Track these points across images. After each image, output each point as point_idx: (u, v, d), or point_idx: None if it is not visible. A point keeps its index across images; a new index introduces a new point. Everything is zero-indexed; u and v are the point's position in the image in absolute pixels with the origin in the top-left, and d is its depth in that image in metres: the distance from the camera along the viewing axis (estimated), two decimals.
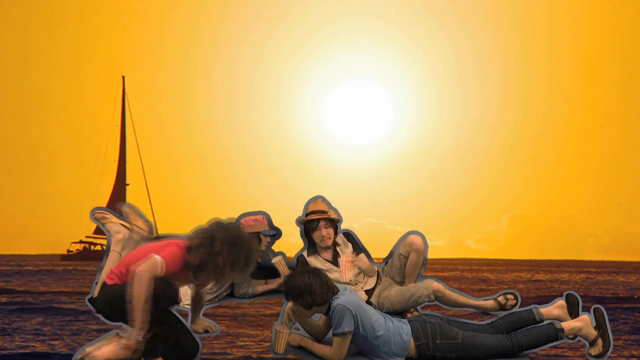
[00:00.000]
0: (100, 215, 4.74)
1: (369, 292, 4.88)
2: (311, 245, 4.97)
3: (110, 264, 4.58)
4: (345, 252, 4.97)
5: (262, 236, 4.90)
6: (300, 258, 4.98)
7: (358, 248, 5.01)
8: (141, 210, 4.81)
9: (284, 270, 4.88)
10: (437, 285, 4.78)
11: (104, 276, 4.44)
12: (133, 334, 4.05)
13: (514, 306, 4.84)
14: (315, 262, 4.91)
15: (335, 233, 4.97)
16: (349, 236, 5.05)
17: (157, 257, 4.12)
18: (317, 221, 4.91)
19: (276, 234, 4.94)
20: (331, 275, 4.65)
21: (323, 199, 5.01)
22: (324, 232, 4.90)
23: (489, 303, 4.84)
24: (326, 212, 4.93)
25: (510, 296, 4.84)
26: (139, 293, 4.03)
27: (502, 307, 4.81)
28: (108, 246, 4.65)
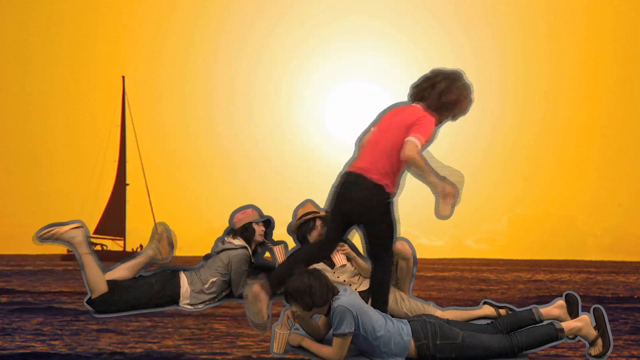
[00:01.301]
0: (47, 234, 4.73)
1: (363, 294, 4.87)
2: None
3: (90, 267, 4.65)
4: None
5: (254, 225, 4.92)
6: None
7: (351, 249, 5.00)
8: (174, 237, 4.90)
9: (281, 258, 4.89)
10: (440, 313, 4.76)
11: (98, 277, 4.61)
12: (443, 185, 4.31)
13: None
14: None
15: None
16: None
17: (412, 139, 4.31)
18: (313, 221, 4.91)
19: (270, 222, 4.97)
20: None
21: (312, 202, 5.00)
22: (322, 231, 4.89)
23: (490, 311, 4.83)
24: (318, 212, 4.92)
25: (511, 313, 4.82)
26: (420, 160, 4.28)
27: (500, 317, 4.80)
28: (75, 254, 4.71)
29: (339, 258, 4.82)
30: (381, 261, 4.54)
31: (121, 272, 4.82)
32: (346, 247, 4.85)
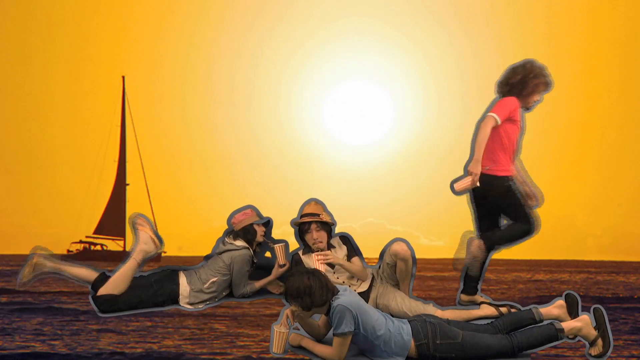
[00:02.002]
0: (139, 223, 4.87)
1: (363, 295, 4.86)
2: (306, 246, 4.97)
3: (127, 270, 4.70)
4: (339, 255, 4.96)
5: (255, 227, 4.93)
6: (295, 257, 4.99)
7: (353, 251, 4.99)
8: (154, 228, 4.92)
9: (281, 258, 4.90)
10: (440, 313, 4.76)
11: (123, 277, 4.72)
12: (473, 164, 4.65)
13: None
14: (308, 261, 4.91)
15: (329, 236, 4.96)
16: (345, 239, 5.03)
17: (488, 114, 4.75)
18: (308, 224, 4.91)
19: (269, 222, 4.98)
20: None
21: (317, 202, 5.00)
22: (315, 235, 4.89)
23: (490, 310, 4.82)
24: (318, 215, 4.92)
25: (514, 310, 4.82)
26: (482, 133, 4.69)
27: (501, 315, 4.79)
28: (131, 251, 4.80)
29: (318, 266, 4.81)
30: (521, 223, 4.87)
31: (122, 285, 4.81)
32: (330, 256, 4.85)
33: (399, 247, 4.82)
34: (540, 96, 4.94)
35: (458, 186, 4.73)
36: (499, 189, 4.83)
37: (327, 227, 4.95)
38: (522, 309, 4.74)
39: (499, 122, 4.75)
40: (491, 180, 4.80)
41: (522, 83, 4.87)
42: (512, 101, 4.84)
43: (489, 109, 4.89)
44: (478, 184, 4.69)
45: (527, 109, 4.94)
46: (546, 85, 4.92)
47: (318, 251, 4.90)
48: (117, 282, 4.75)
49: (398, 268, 4.85)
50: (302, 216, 4.95)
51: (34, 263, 4.80)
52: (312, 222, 4.90)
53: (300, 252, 4.99)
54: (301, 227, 4.94)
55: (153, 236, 4.84)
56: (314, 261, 4.83)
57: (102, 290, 4.74)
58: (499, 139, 4.83)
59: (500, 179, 4.83)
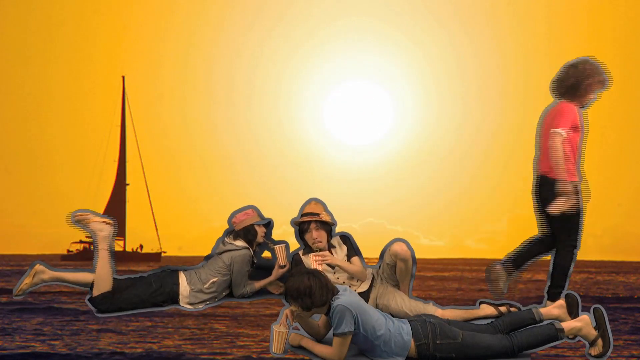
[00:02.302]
0: (81, 217, 4.84)
1: (363, 295, 4.86)
2: (307, 246, 4.97)
3: (103, 262, 4.70)
4: (339, 255, 4.95)
5: (256, 227, 4.93)
6: (295, 257, 4.99)
7: (353, 251, 4.99)
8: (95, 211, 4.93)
9: (281, 259, 4.89)
10: (440, 312, 4.76)
11: (104, 275, 4.66)
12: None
13: None
14: (308, 261, 4.90)
15: (329, 236, 4.96)
16: (346, 239, 5.03)
17: (552, 130, 4.88)
18: (307, 223, 4.91)
19: (269, 223, 4.98)
20: None
21: (317, 201, 5.00)
22: (315, 235, 4.89)
23: (490, 310, 4.82)
24: (318, 215, 4.92)
25: (513, 309, 4.82)
26: (557, 151, 4.82)
27: (502, 315, 4.79)
28: (95, 246, 4.75)
29: (316, 267, 4.81)
30: (563, 244, 4.92)
31: (108, 279, 4.80)
32: (328, 257, 4.85)
33: (399, 248, 4.82)
34: (597, 94, 5.03)
35: (553, 209, 4.84)
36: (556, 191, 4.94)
37: (327, 226, 4.94)
38: (522, 309, 4.74)
39: (565, 135, 4.86)
40: (554, 182, 4.88)
41: (575, 86, 4.96)
42: (572, 109, 4.94)
43: (546, 114, 5.01)
44: (570, 202, 4.83)
45: (583, 106, 5.02)
46: (601, 83, 4.99)
47: (318, 251, 4.90)
48: (102, 279, 4.74)
49: (398, 268, 4.85)
50: (302, 216, 4.95)
51: (34, 272, 4.80)
52: (312, 222, 4.90)
53: (300, 253, 4.99)
54: (301, 227, 4.94)
55: (101, 219, 4.85)
56: (312, 262, 4.83)
57: (95, 292, 4.74)
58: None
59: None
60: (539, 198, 5.00)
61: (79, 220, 4.83)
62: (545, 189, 4.93)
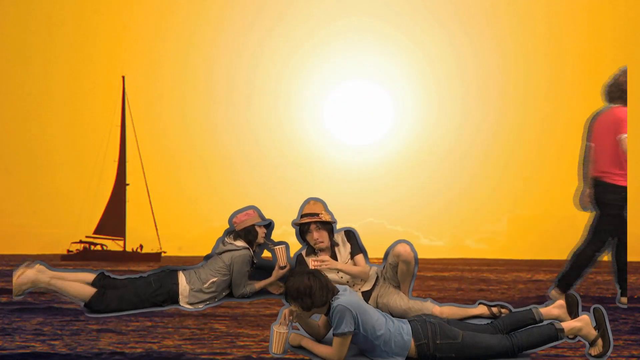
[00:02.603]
0: (16, 291, 4.71)
1: (366, 294, 4.86)
2: (309, 246, 4.97)
3: (63, 286, 4.68)
4: (342, 252, 4.95)
5: (257, 228, 4.93)
6: (299, 257, 4.98)
7: (357, 248, 4.98)
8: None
9: (282, 260, 4.89)
10: (437, 309, 4.76)
11: None
12: None
13: None
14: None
15: (332, 234, 4.95)
16: (351, 235, 5.02)
17: (620, 135, 5.19)
18: (308, 224, 4.91)
19: (270, 224, 4.98)
20: (328, 275, 4.64)
21: (317, 200, 5.00)
22: (315, 235, 4.89)
23: (483, 310, 4.83)
24: (318, 215, 4.91)
25: (505, 310, 4.82)
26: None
27: (493, 316, 4.80)
28: (45, 287, 4.71)
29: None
30: (599, 238, 5.30)
31: (83, 291, 4.78)
32: (327, 261, 4.84)
33: (402, 249, 4.82)
34: None
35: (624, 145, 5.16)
36: (612, 195, 5.24)
37: (328, 225, 4.94)
38: (515, 309, 4.74)
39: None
40: (615, 189, 5.20)
41: (615, 89, 5.29)
42: (625, 113, 5.22)
43: (599, 117, 5.28)
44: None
45: None
46: None
47: (320, 251, 4.91)
48: (79, 294, 4.74)
49: (399, 269, 4.85)
50: (301, 216, 4.95)
51: (37, 270, 4.75)
52: (312, 223, 4.90)
53: (303, 253, 4.99)
54: (302, 228, 4.94)
55: (22, 270, 4.69)
56: (310, 266, 4.83)
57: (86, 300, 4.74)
58: (617, 151, 5.23)
59: (617, 187, 5.26)
60: (594, 200, 5.29)
61: (21, 293, 4.69)
62: (600, 190, 5.25)
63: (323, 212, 4.94)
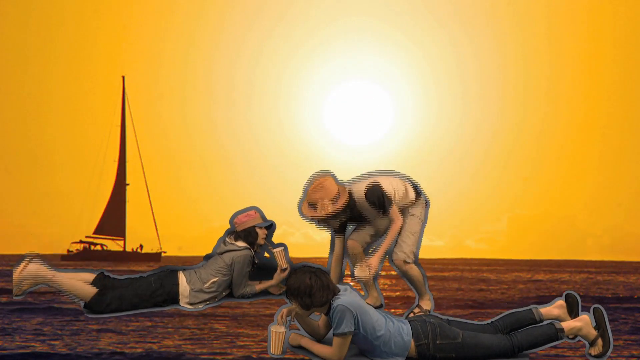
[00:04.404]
0: (16, 289, 4.60)
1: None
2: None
3: (65, 283, 4.59)
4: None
5: (257, 229, 4.92)
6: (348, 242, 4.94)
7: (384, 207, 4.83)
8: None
9: (282, 262, 4.88)
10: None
11: None
12: None
13: None
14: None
15: (341, 212, 4.80)
16: (374, 192, 4.83)
17: None
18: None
19: (271, 225, 4.97)
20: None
21: (319, 182, 4.80)
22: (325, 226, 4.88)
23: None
24: (315, 209, 4.85)
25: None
26: None
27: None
28: (47, 284, 4.67)
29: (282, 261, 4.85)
30: None
31: (83, 290, 4.76)
32: (373, 265, 4.80)
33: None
34: None
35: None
36: None
37: (334, 216, 4.85)
38: (522, 309, 4.74)
39: None
40: None
41: None
42: None
43: None
44: None
45: None
46: None
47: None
48: (79, 294, 4.71)
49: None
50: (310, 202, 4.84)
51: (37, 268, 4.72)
52: (312, 222, 4.88)
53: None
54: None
55: (21, 267, 4.60)
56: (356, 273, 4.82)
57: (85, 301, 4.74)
58: None
59: None
60: None
61: (21, 293, 4.61)
62: None
63: (322, 199, 4.79)
